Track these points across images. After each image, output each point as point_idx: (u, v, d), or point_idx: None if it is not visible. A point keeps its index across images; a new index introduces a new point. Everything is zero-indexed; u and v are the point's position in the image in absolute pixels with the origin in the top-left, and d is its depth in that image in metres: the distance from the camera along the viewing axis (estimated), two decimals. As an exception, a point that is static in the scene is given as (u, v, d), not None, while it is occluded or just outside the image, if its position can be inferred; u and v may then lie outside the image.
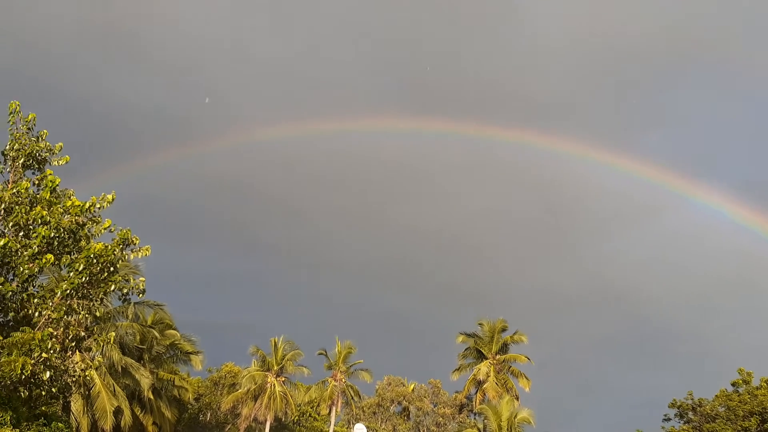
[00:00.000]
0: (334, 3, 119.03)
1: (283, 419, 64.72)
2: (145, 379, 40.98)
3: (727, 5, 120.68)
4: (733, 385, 51.70)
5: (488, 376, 56.52)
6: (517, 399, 54.19)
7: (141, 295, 19.90)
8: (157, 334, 44.30)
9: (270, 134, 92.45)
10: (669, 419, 54.07)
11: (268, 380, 58.27)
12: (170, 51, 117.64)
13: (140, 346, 43.16)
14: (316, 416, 71.64)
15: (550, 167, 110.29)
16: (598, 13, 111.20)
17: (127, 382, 40.58)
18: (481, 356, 58.96)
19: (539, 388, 62.99)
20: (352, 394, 65.91)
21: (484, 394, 56.62)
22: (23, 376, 16.80)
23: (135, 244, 19.12)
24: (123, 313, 41.11)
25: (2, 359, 16.44)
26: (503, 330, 58.93)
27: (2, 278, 18.35)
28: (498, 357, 58.34)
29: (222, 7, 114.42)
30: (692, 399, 53.17)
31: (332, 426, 65.01)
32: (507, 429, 46.15)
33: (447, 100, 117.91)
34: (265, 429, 58.69)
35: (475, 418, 62.84)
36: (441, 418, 74.09)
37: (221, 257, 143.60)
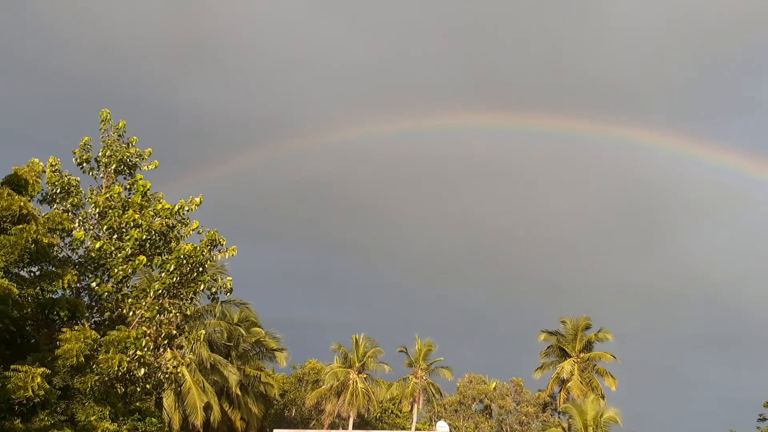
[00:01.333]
0: (408, 1, 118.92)
1: (365, 416, 65.30)
2: (232, 375, 42.05)
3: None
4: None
5: (572, 375, 55.61)
6: (603, 398, 53.09)
7: (228, 294, 20.52)
8: (243, 331, 45.40)
9: (349, 134, 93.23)
10: (765, 419, 52.06)
11: (350, 377, 58.87)
12: (249, 55, 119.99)
13: (227, 344, 44.30)
14: (398, 413, 71.96)
15: (631, 158, 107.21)
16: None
17: (215, 379, 41.73)
18: (564, 354, 58.03)
19: (626, 387, 61.47)
20: (434, 392, 65.90)
21: (568, 393, 55.71)
22: (120, 373, 17.49)
23: (222, 245, 19.72)
24: (211, 311, 42.27)
25: (100, 357, 17.14)
26: (587, 328, 57.84)
27: (98, 279, 19.21)
28: (582, 355, 57.28)
29: (299, 9, 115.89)
30: (789, 398, 51.01)
31: (414, 423, 65.16)
32: (593, 428, 45.31)
33: (523, 93, 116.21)
34: (348, 425, 59.34)
35: (559, 417, 61.93)
36: (524, 417, 73.26)
37: (303, 256, 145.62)
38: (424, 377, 63.93)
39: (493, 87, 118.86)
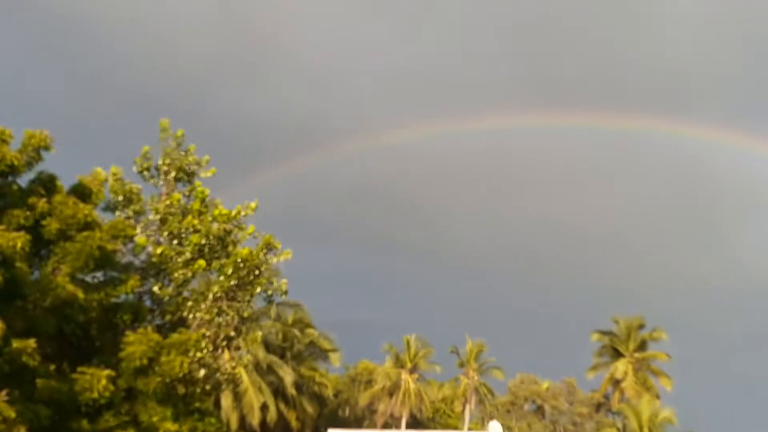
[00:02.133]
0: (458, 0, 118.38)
1: (417, 416, 65.51)
2: (287, 376, 42.69)
3: None
4: None
5: (626, 375, 54.97)
6: (658, 398, 52.43)
7: (284, 296, 20.97)
8: (297, 332, 46.07)
9: (401, 135, 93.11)
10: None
11: (402, 377, 59.19)
12: (302, 59, 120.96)
13: (282, 345, 45.01)
14: (450, 413, 71.94)
15: (687, 153, 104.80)
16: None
17: (271, 379, 42.41)
18: (617, 354, 57.39)
19: (683, 387, 60.40)
20: (485, 392, 65.82)
21: (623, 393, 55.12)
22: (181, 374, 17.96)
23: (277, 248, 20.16)
24: (266, 313, 42.96)
25: (162, 359, 17.60)
26: (641, 327, 57.10)
27: (160, 283, 19.79)
28: (636, 355, 56.57)
29: (349, 12, 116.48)
30: None
31: (466, 423, 65.10)
32: (648, 429, 44.78)
33: (577, 91, 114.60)
34: (401, 425, 59.62)
35: (613, 418, 61.22)
36: (578, 417, 72.52)
37: (356, 258, 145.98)
38: (476, 377, 63.92)
39: (547, 85, 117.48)
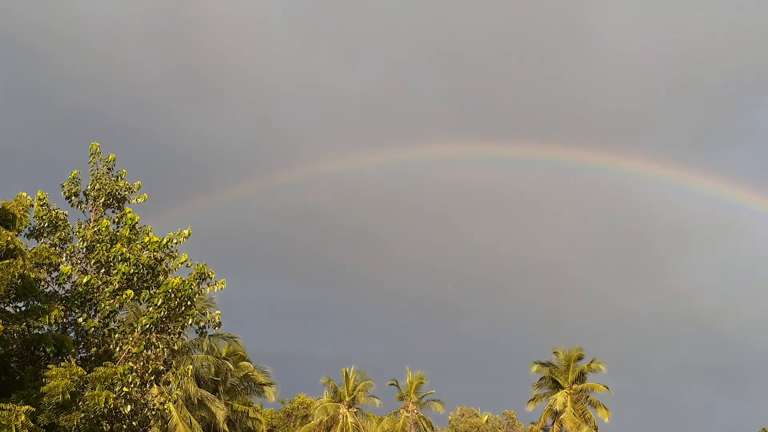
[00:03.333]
0: (405, 31, 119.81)
1: (356, 451, 64.54)
2: (220, 411, 41.53)
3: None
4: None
5: (565, 407, 55.38)
6: (596, 430, 52.91)
7: (217, 327, 20.27)
8: (231, 366, 44.97)
9: (345, 164, 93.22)
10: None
11: (340, 411, 58.29)
12: (244, 85, 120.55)
13: (215, 378, 43.84)
14: (390, 448, 71.18)
15: (625, 187, 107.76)
16: (677, 23, 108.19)
17: (202, 415, 41.17)
18: (557, 386, 57.84)
19: (621, 419, 61.17)
20: (425, 426, 65.25)
21: (562, 425, 55.46)
22: (106, 410, 17.21)
23: (211, 278, 19.51)
24: (198, 345, 41.92)
25: (86, 394, 16.88)
26: (579, 358, 57.79)
27: (85, 314, 18.97)
28: (575, 386, 57.09)
29: (292, 41, 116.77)
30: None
31: (406, 458, 64.45)
32: (586, 461, 45.00)
33: (518, 123, 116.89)
34: (338, 461, 58.56)
35: (552, 450, 61.48)
36: (516, 450, 72.55)
37: (294, 288, 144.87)
38: (416, 411, 63.34)
39: (488, 117, 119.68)
